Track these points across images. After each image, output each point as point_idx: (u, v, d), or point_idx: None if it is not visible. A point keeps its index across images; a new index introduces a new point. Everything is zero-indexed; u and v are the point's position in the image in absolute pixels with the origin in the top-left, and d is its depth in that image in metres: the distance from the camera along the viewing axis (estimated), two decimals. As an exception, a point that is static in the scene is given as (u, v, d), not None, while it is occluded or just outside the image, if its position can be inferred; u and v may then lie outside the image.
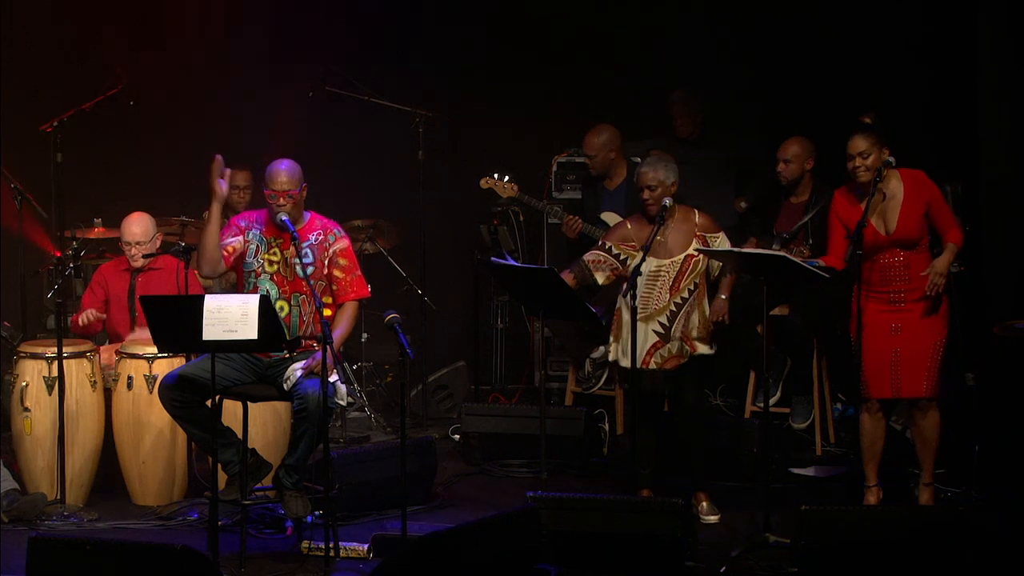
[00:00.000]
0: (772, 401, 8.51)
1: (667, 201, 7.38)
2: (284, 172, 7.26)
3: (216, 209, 7.17)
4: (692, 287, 7.42)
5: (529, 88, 9.99)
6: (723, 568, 6.67)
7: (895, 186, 7.27)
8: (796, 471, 8.29)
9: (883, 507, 7.27)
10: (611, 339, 7.54)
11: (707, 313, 7.45)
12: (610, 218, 8.93)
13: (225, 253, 7.23)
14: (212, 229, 7.18)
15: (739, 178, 9.34)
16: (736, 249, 7.38)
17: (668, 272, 7.41)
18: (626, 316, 7.35)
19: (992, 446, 7.79)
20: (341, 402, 7.15)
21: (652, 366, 7.41)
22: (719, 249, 7.39)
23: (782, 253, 7.47)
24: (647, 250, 7.31)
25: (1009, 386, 8.01)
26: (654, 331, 7.42)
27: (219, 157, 7.19)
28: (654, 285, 7.41)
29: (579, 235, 8.91)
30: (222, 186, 7.16)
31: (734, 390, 9.16)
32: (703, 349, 7.44)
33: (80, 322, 8.22)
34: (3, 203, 9.08)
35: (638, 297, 7.25)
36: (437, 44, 10.19)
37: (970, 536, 6.34)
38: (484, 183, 9.03)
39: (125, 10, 10.05)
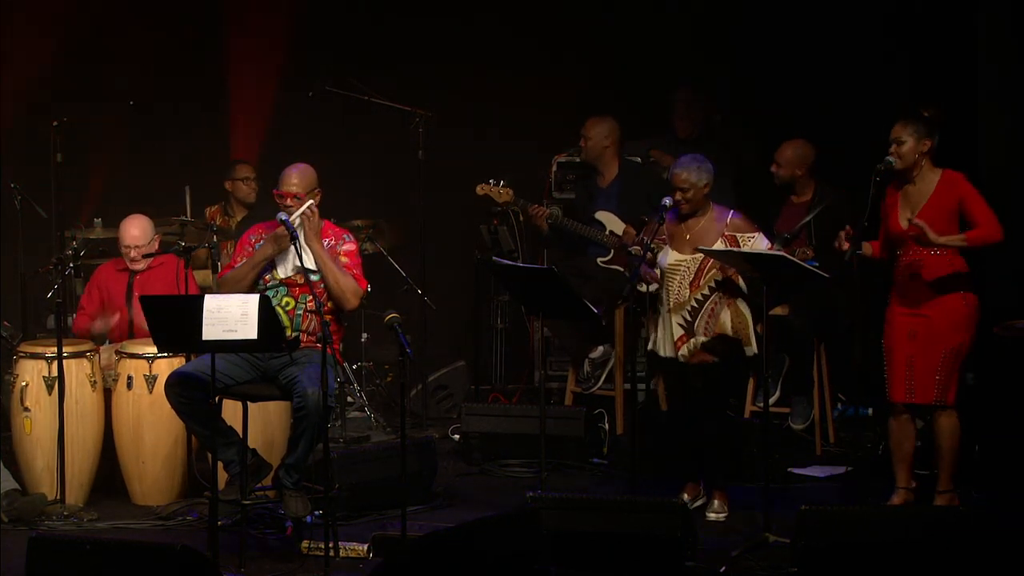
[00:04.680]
0: (771, 401, 8.50)
1: (667, 201, 7.36)
2: (295, 175, 7.31)
3: (267, 253, 7.23)
4: (714, 284, 7.39)
5: (529, 88, 9.99)
6: (723, 568, 6.67)
7: (928, 183, 7.20)
8: (796, 471, 8.29)
9: (883, 507, 7.24)
10: (651, 328, 7.52)
11: (744, 313, 7.42)
12: (605, 217, 8.95)
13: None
14: (251, 272, 7.27)
15: (738, 178, 9.34)
16: (736, 249, 7.37)
17: (688, 267, 7.39)
18: (660, 308, 7.42)
19: (992, 446, 7.78)
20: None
21: (680, 358, 7.41)
22: (718, 249, 7.36)
23: (782, 253, 7.46)
24: (647, 249, 7.32)
25: (1009, 386, 8.00)
26: (678, 324, 7.41)
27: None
28: (673, 278, 7.40)
29: (552, 225, 8.96)
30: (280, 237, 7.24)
31: (735, 392, 9.14)
32: (747, 349, 7.41)
33: (95, 329, 8.22)
34: (3, 203, 9.09)
35: (663, 288, 7.36)
36: (437, 44, 10.18)
37: (970, 536, 6.34)
38: (480, 190, 9.07)
39: (125, 10, 10.05)
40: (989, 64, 8.36)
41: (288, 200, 7.27)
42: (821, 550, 6.38)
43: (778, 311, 8.46)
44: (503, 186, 9.03)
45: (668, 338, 7.43)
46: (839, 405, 8.97)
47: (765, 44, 9.66)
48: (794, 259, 7.29)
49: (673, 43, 9.83)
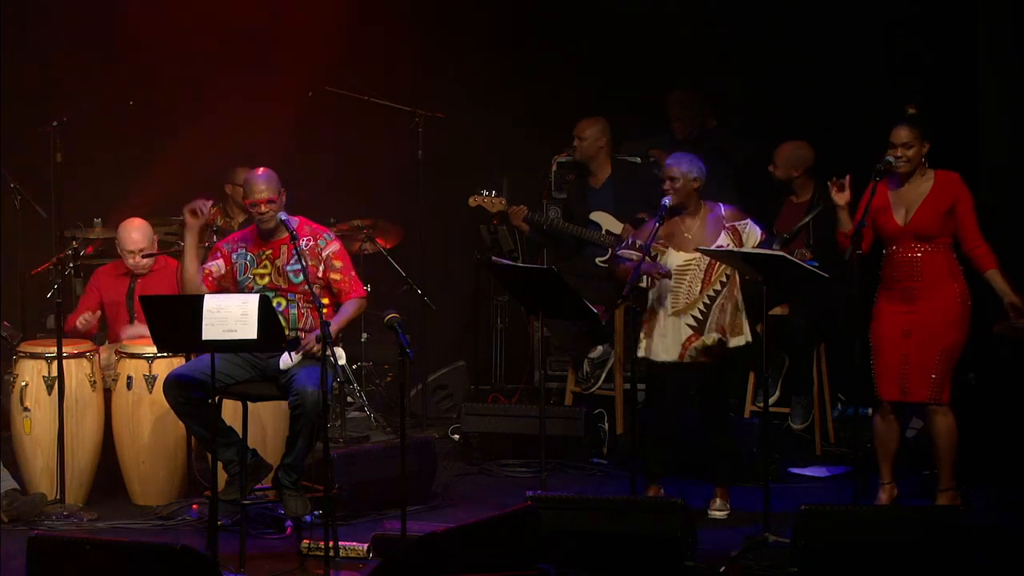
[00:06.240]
0: (771, 401, 8.51)
1: (667, 201, 7.38)
2: (262, 181, 7.33)
3: (189, 240, 7.28)
4: (724, 279, 7.41)
5: (529, 88, 9.99)
6: (723, 568, 6.67)
7: (924, 184, 7.20)
8: (796, 471, 8.30)
9: (883, 507, 7.26)
10: (642, 335, 7.50)
11: (740, 304, 7.45)
12: (600, 217, 8.95)
13: (204, 273, 7.35)
14: (187, 263, 7.31)
15: (737, 180, 9.33)
16: (736, 249, 7.38)
17: (699, 265, 7.42)
18: (659, 312, 7.41)
19: (992, 446, 7.77)
20: (341, 361, 7.19)
21: (687, 359, 7.42)
22: (719, 249, 7.37)
23: (782, 253, 7.47)
24: (647, 249, 7.31)
25: (1009, 386, 8.00)
26: (688, 324, 7.42)
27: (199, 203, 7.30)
28: (683, 279, 7.42)
29: (531, 224, 8.95)
30: (193, 218, 7.28)
31: (734, 390, 9.14)
32: (736, 341, 7.45)
33: (79, 325, 8.23)
34: (3, 203, 9.09)
35: (669, 290, 7.37)
36: (437, 44, 10.18)
37: (970, 536, 6.34)
38: (472, 201, 9.04)
39: (124, 10, 10.04)
40: (989, 64, 8.36)
41: (262, 207, 7.28)
42: (821, 550, 6.38)
43: (778, 311, 8.47)
44: (495, 196, 9.02)
45: (672, 342, 7.42)
46: (839, 405, 8.97)
47: (763, 44, 9.65)
48: (794, 259, 7.30)
49: (673, 44, 9.82)
